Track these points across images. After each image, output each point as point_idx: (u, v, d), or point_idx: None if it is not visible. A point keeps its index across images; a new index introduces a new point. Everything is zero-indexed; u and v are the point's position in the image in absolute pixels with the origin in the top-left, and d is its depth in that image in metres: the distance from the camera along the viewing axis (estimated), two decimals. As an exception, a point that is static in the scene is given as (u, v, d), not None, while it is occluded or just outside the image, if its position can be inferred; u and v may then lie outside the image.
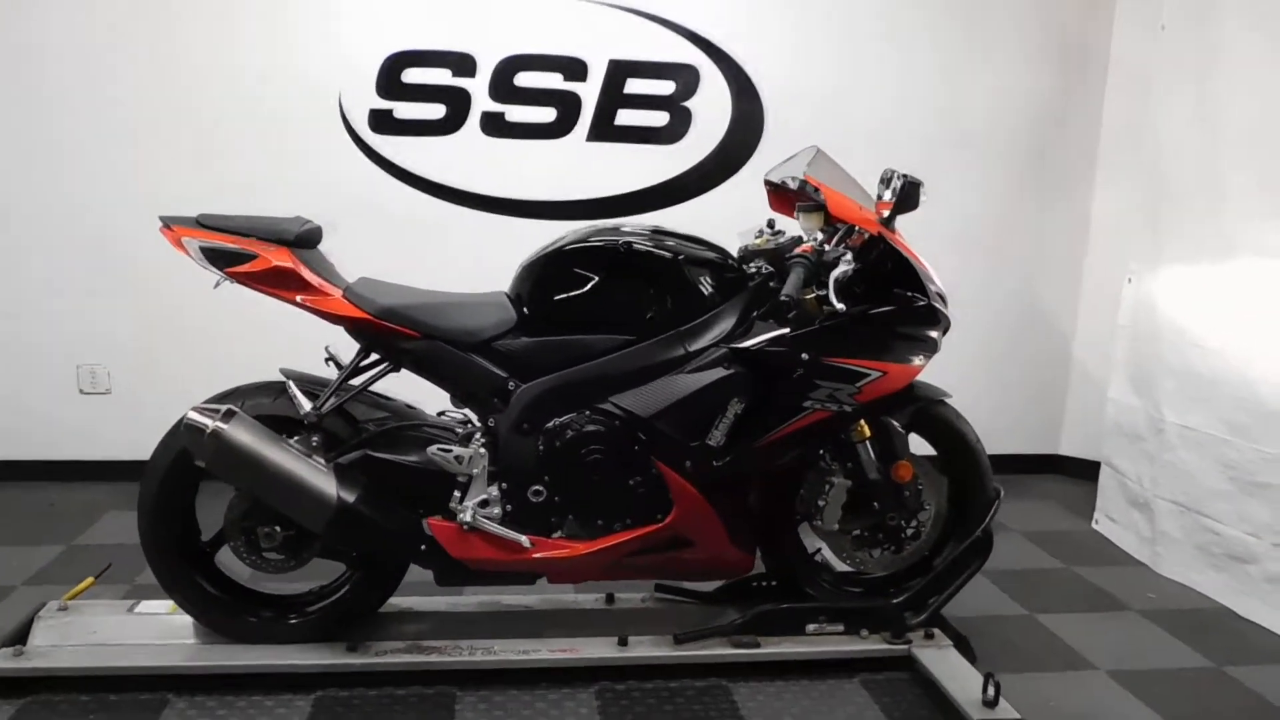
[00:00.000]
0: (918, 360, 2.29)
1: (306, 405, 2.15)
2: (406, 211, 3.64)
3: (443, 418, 2.39)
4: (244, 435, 2.05)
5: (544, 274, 2.26)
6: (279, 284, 2.13)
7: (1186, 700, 2.39)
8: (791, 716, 2.23)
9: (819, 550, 2.56)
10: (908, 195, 2.17)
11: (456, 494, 2.23)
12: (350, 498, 2.10)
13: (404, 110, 3.59)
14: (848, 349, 2.22)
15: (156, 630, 2.36)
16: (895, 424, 2.38)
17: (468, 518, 2.20)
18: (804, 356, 2.19)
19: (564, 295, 2.24)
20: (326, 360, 2.37)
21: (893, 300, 2.26)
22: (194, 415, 2.05)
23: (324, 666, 2.25)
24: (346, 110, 3.56)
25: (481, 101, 3.61)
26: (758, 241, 2.36)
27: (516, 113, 3.65)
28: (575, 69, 3.64)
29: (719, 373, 2.18)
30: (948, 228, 3.56)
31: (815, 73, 3.77)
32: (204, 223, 2.15)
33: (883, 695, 2.34)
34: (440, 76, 3.58)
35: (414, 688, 2.27)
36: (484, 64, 3.59)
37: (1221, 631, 2.79)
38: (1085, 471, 3.97)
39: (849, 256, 2.16)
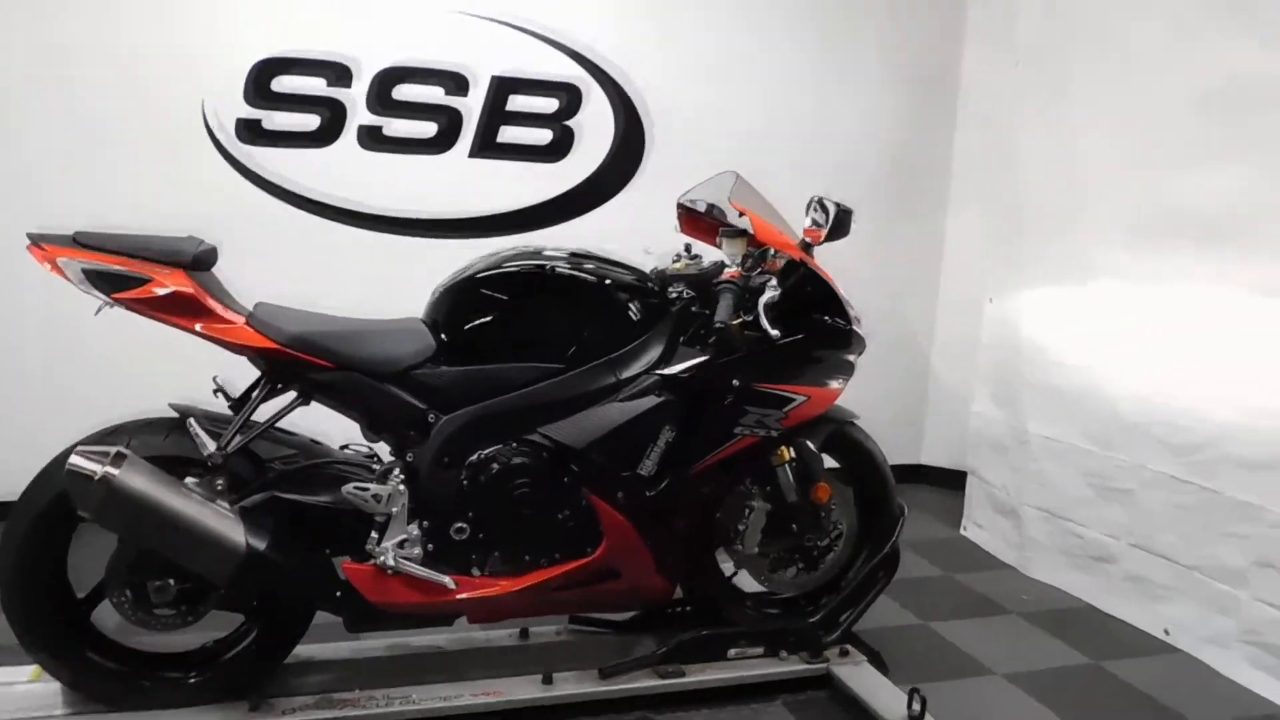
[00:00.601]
0: (837, 383, 2.35)
1: (210, 445, 1.95)
2: (277, 227, 3.40)
3: (348, 452, 2.23)
4: (139, 481, 1.83)
5: (464, 299, 2.16)
6: (176, 310, 1.93)
7: (1077, 698, 2.55)
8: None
9: (735, 574, 2.57)
10: (840, 222, 2.22)
11: (374, 534, 2.09)
12: (259, 544, 1.92)
13: (275, 120, 3.36)
14: (775, 374, 2.24)
15: (15, 702, 2.07)
16: (811, 446, 2.42)
17: (389, 560, 2.06)
18: (735, 383, 2.19)
19: (486, 322, 2.15)
20: (215, 392, 2.17)
21: (811, 325, 2.29)
22: (78, 460, 1.81)
23: (223, 732, 2.05)
24: (211, 118, 3.30)
25: (360, 113, 3.44)
26: (677, 266, 2.34)
27: (397, 126, 3.49)
28: (458, 83, 3.53)
29: (651, 400, 2.15)
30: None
31: (693, 91, 3.82)
32: (83, 241, 1.91)
33: (806, 716, 2.37)
34: (314, 85, 3.38)
35: (327, 747, 2.11)
36: (362, 74, 3.41)
37: (1092, 628, 3.00)
38: (949, 481, 4.20)
39: (774, 282, 2.18)
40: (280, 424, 2.13)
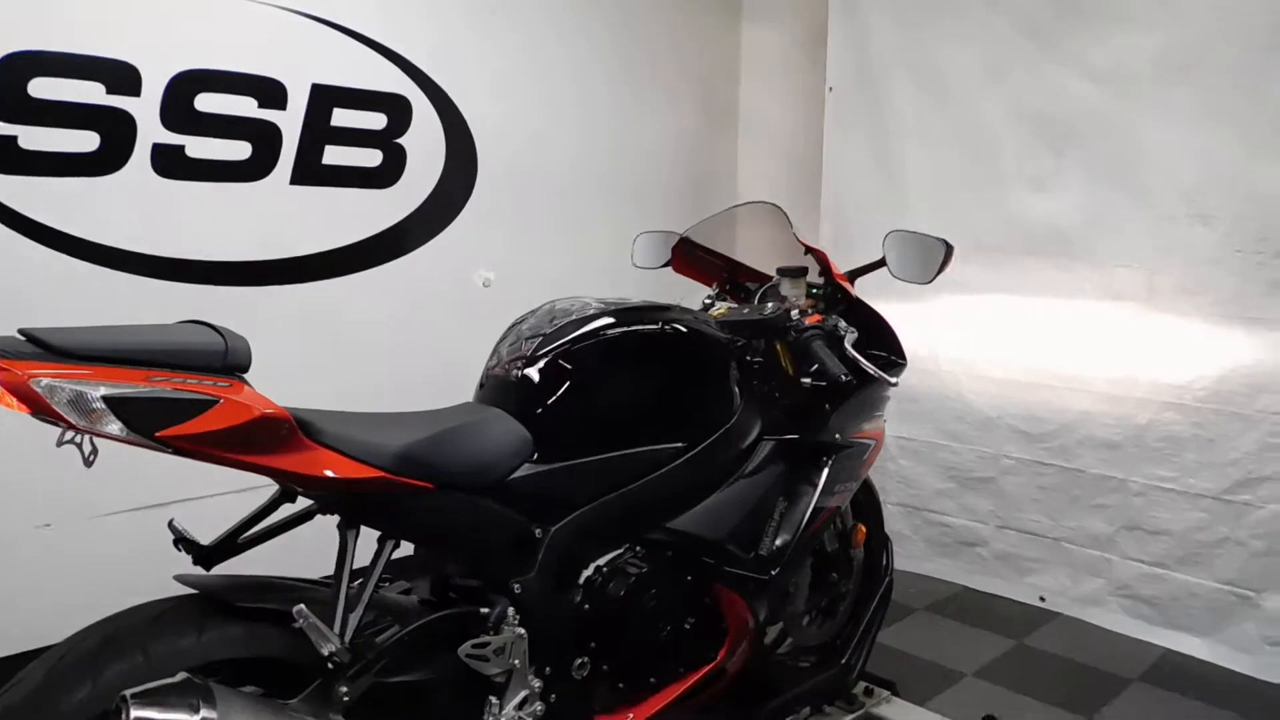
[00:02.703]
0: (884, 422, 2.27)
1: (334, 639, 1.32)
2: (44, 281, 2.46)
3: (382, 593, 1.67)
4: None
5: (554, 378, 1.72)
6: (248, 445, 1.28)
7: (1038, 680, 2.76)
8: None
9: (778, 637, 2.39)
10: (947, 259, 2.11)
11: (492, 700, 1.58)
12: None
13: (33, 138, 2.41)
14: (855, 423, 2.10)
15: None
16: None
17: (523, 729, 1.58)
18: (837, 437, 2.02)
19: (589, 404, 1.73)
20: (176, 543, 1.52)
21: (878, 364, 2.18)
22: (148, 710, 1.12)
23: None
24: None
25: (152, 130, 2.59)
26: (718, 312, 2.10)
27: (200, 146, 2.69)
28: (272, 93, 2.82)
29: (773, 470, 1.90)
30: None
31: (520, 111, 3.48)
32: (62, 347, 1.18)
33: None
34: (89, 92, 2.48)
35: None
36: (152, 79, 2.58)
37: (985, 610, 3.28)
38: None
39: (842, 324, 2.05)
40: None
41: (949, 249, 2.08)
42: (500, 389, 1.72)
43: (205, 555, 1.55)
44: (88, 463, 1.22)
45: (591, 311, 1.79)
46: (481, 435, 1.60)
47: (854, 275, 2.22)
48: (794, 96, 4.07)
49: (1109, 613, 3.16)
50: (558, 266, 3.48)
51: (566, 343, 1.74)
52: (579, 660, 1.70)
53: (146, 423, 1.19)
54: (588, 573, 1.72)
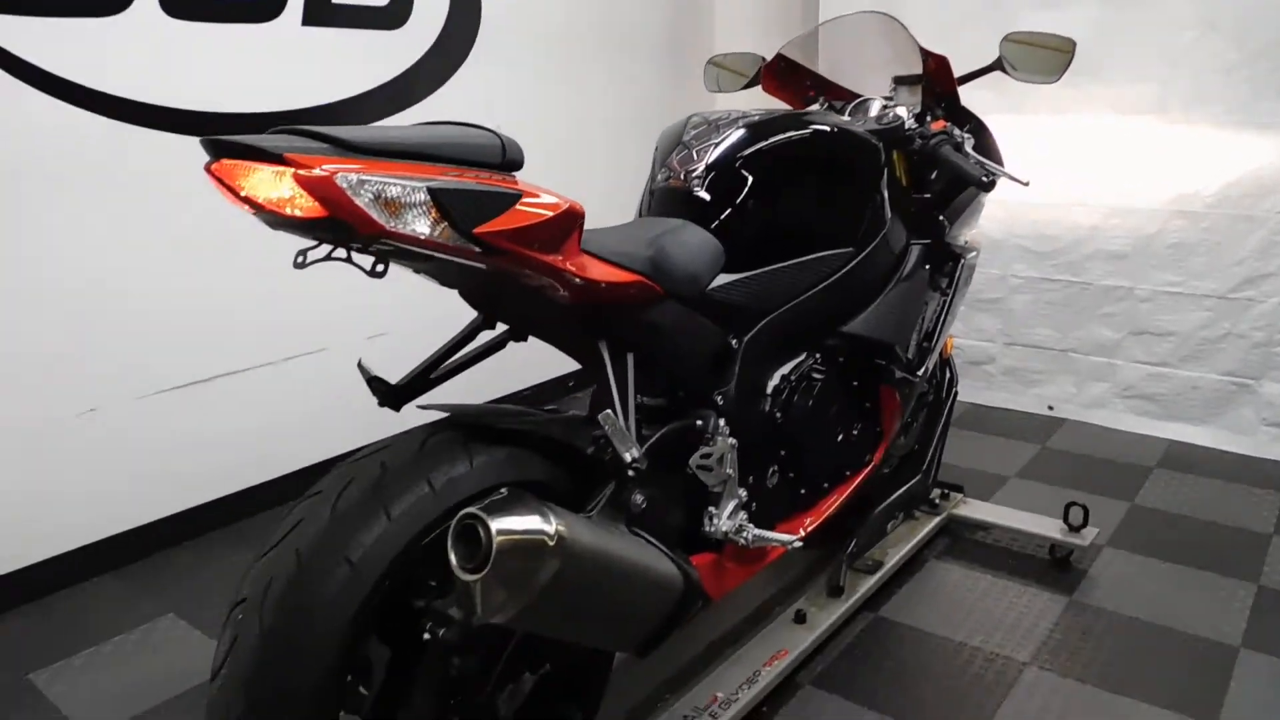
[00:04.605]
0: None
1: (635, 448, 1.27)
2: (42, 134, 2.20)
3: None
4: (586, 534, 1.15)
5: (741, 185, 1.66)
6: (545, 240, 1.19)
7: (1072, 474, 2.97)
8: (934, 608, 2.21)
9: None
10: (1071, 56, 2.09)
11: (710, 510, 1.59)
12: (686, 574, 1.37)
13: (28, -29, 2.09)
14: (967, 230, 2.14)
15: None
16: None
17: (744, 535, 1.60)
18: (965, 243, 2.04)
19: (772, 211, 1.69)
20: (370, 381, 1.44)
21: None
22: (508, 523, 1.06)
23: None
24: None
25: (157, -40, 2.29)
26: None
27: (208, -20, 2.41)
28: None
29: (921, 275, 1.92)
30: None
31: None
32: (350, 142, 1.06)
33: (973, 559, 2.44)
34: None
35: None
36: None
37: (1000, 422, 3.47)
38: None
39: (956, 130, 2.04)
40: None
41: (1073, 45, 2.09)
42: (680, 201, 1.66)
43: (394, 394, 1.47)
44: (377, 273, 1.12)
45: (756, 119, 1.73)
46: (687, 244, 1.54)
47: (962, 81, 2.20)
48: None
49: (1114, 413, 3.40)
50: (561, 115, 3.36)
51: (745, 151, 1.68)
52: (771, 469, 1.72)
53: (466, 217, 1.10)
54: (774, 382, 1.72)
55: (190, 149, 2.41)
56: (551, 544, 1.09)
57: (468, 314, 1.53)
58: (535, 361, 2.14)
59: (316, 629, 1.10)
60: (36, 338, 2.28)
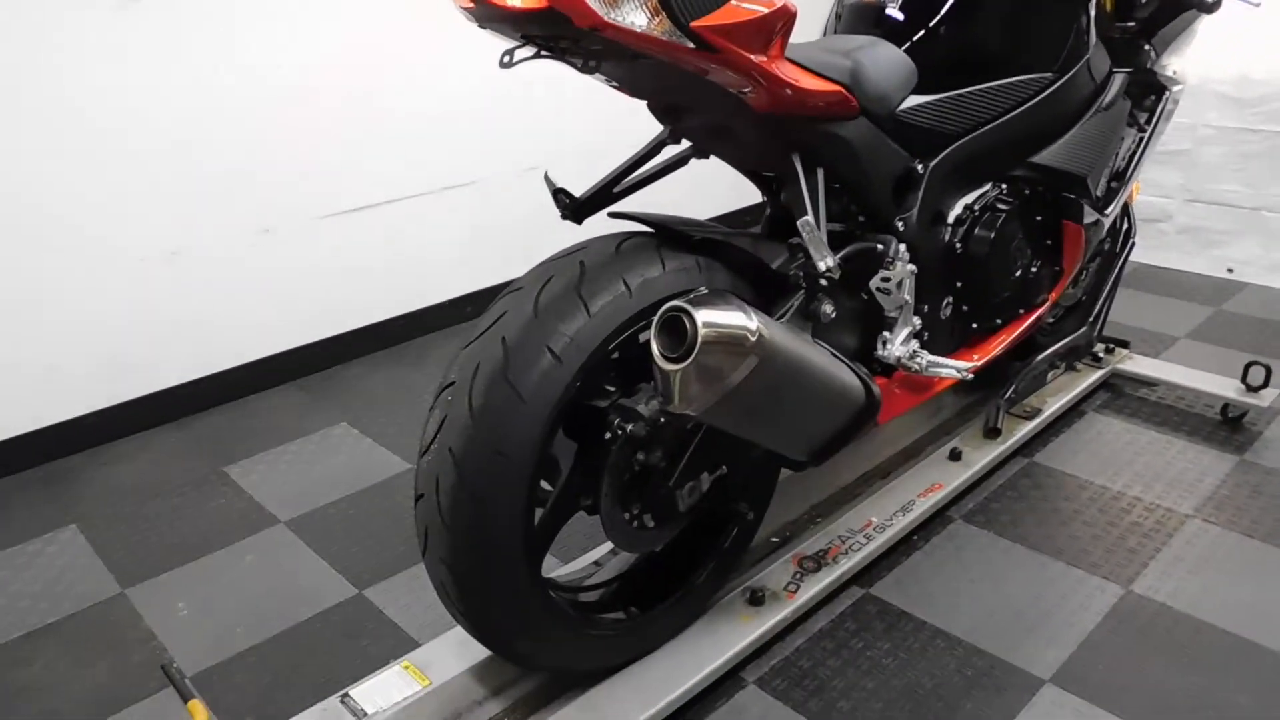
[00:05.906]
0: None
1: (830, 257, 1.29)
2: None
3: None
4: (780, 334, 1.17)
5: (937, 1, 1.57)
6: (756, 40, 1.17)
7: (1249, 339, 2.80)
8: (1093, 458, 2.16)
9: None
10: None
11: (885, 335, 1.58)
12: (867, 386, 1.39)
13: None
14: (1175, 61, 1.97)
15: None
16: None
17: (919, 361, 1.59)
18: (1173, 73, 1.89)
19: (972, 29, 1.61)
20: (557, 194, 1.46)
21: None
22: (713, 315, 1.09)
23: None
24: None
25: None
26: None
27: None
28: None
29: (1121, 107, 1.80)
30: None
31: None
32: None
33: (1138, 414, 2.36)
34: None
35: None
36: None
37: (1173, 283, 3.27)
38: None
39: None
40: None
41: None
42: (871, 18, 1.59)
43: (577, 207, 1.49)
44: (589, 68, 1.13)
45: None
46: (880, 62, 1.48)
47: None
48: None
49: (1303, 278, 3.16)
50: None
51: None
52: (946, 300, 1.69)
53: (685, 9, 1.09)
54: (956, 211, 1.68)
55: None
56: (752, 340, 1.11)
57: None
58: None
59: (522, 411, 1.17)
60: (220, 157, 2.42)
